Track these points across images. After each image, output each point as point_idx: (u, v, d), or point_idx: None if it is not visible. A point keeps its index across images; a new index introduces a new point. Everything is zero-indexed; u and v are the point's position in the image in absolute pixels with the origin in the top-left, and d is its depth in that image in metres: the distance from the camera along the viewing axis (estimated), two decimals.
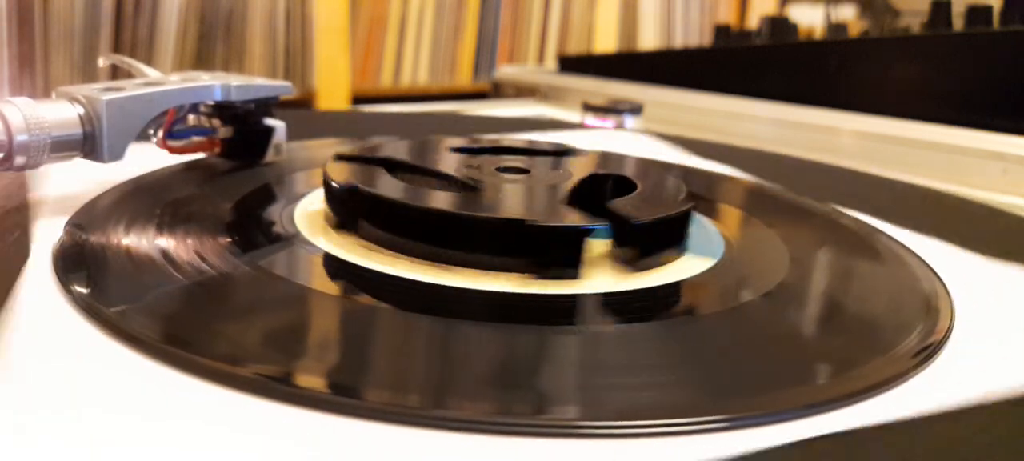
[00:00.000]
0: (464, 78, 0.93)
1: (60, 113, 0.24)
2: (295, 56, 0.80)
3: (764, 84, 0.58)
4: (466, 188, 0.24)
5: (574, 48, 1.01)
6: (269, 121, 0.32)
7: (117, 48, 0.70)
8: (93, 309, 0.17)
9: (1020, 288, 0.24)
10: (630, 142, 0.45)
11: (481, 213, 0.22)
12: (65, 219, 0.23)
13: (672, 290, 0.22)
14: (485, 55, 0.94)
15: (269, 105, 0.32)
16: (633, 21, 1.08)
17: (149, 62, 0.50)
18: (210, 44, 0.75)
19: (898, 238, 0.27)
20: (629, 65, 0.74)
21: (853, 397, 0.16)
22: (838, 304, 0.22)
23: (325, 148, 0.36)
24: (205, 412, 0.14)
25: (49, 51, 0.67)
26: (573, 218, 0.22)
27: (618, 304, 0.20)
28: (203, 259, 0.21)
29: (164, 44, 0.72)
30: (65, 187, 0.27)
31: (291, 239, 0.24)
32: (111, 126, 0.24)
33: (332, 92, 0.82)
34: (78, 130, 0.24)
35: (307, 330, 0.19)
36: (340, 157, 0.26)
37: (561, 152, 0.30)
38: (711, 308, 0.21)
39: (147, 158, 0.30)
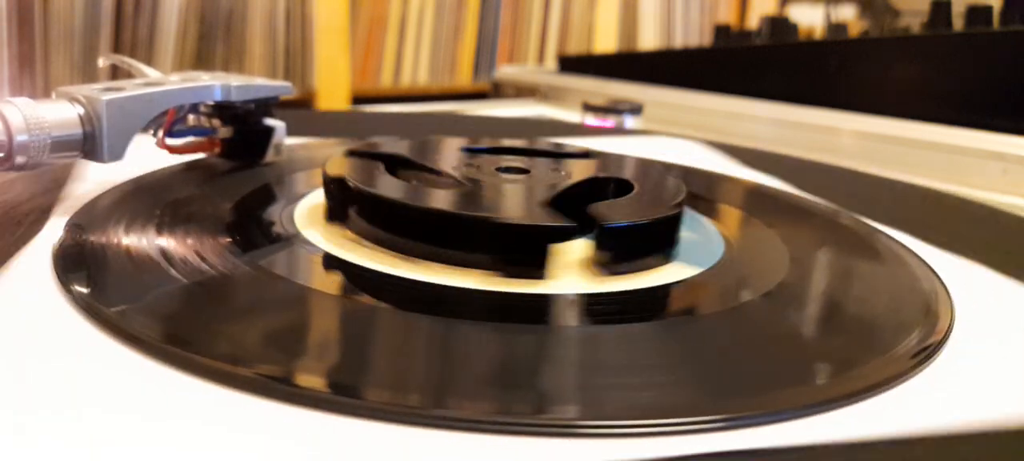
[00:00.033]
0: (464, 78, 0.93)
1: (60, 113, 0.24)
2: (295, 56, 0.80)
3: (764, 84, 0.59)
4: (457, 186, 0.25)
5: (574, 48, 1.01)
6: (269, 121, 0.32)
7: (117, 48, 0.70)
8: (93, 309, 0.17)
9: (1020, 288, 0.24)
10: (678, 150, 0.43)
11: (448, 208, 0.22)
12: (65, 219, 0.23)
13: (634, 296, 0.21)
14: (485, 55, 0.94)
15: (269, 105, 0.32)
16: (633, 21, 1.08)
17: (149, 62, 0.50)
18: (210, 44, 0.75)
19: (898, 238, 0.27)
20: (629, 65, 0.74)
21: (852, 397, 0.16)
22: (838, 304, 0.22)
23: (325, 148, 0.36)
24: (205, 412, 0.14)
25: (49, 51, 0.67)
26: (541, 218, 0.22)
27: (572, 305, 0.20)
28: (203, 259, 0.21)
29: (164, 44, 0.72)
30: (65, 187, 0.27)
31: (291, 239, 0.24)
32: (111, 126, 0.24)
33: (332, 92, 0.82)
34: (78, 130, 0.24)
35: (305, 329, 0.19)
36: (351, 153, 0.27)
37: (582, 155, 0.30)
38: (702, 311, 0.21)
39: (147, 158, 0.30)
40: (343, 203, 0.24)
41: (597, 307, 0.20)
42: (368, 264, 0.22)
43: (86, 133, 0.24)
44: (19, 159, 0.23)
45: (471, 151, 0.29)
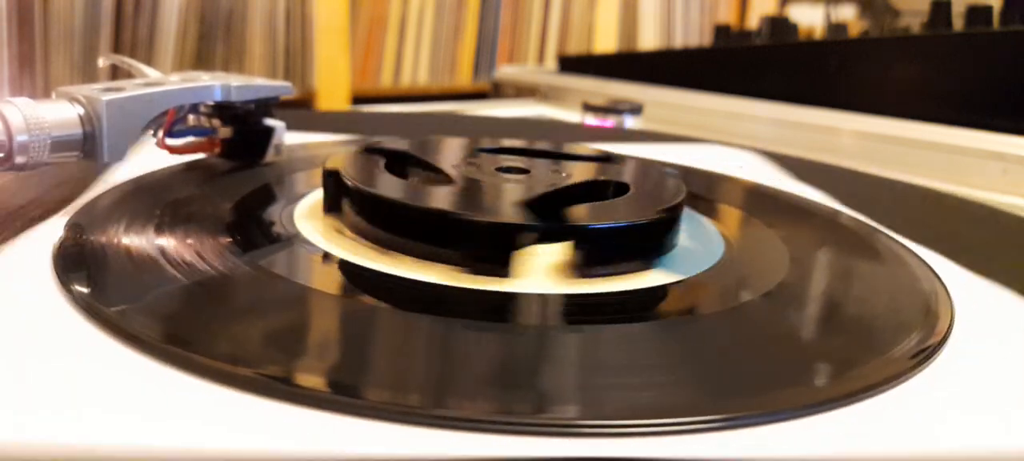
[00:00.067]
0: (464, 78, 0.93)
1: (60, 113, 0.24)
2: (295, 56, 0.80)
3: (764, 84, 0.59)
4: (446, 183, 0.25)
5: (574, 48, 1.01)
6: (269, 121, 0.32)
7: (117, 48, 0.70)
8: (93, 309, 0.17)
9: (1020, 289, 0.24)
10: (727, 159, 0.41)
11: (416, 203, 0.22)
12: (65, 219, 0.23)
13: (595, 300, 0.20)
14: (485, 55, 0.94)
15: (269, 105, 0.32)
16: (633, 21, 1.08)
17: (149, 62, 0.50)
18: (210, 44, 0.75)
19: (898, 238, 0.27)
20: (629, 65, 0.74)
21: (852, 397, 0.16)
22: (838, 304, 0.22)
23: (325, 148, 0.36)
24: (205, 412, 0.14)
25: (49, 51, 0.67)
26: (508, 216, 0.22)
27: (530, 305, 0.20)
28: (203, 259, 0.21)
29: (164, 44, 0.72)
30: (65, 187, 0.27)
31: (291, 239, 0.24)
32: (111, 126, 0.24)
33: (332, 92, 0.82)
34: (78, 130, 0.24)
35: (305, 329, 0.19)
36: (368, 150, 0.28)
37: (603, 159, 0.29)
38: (703, 310, 0.21)
39: (147, 158, 0.30)
40: (336, 195, 0.25)
41: (554, 308, 0.20)
42: (365, 262, 0.22)
43: (86, 133, 0.24)
44: (19, 159, 0.23)
45: (487, 152, 0.29)
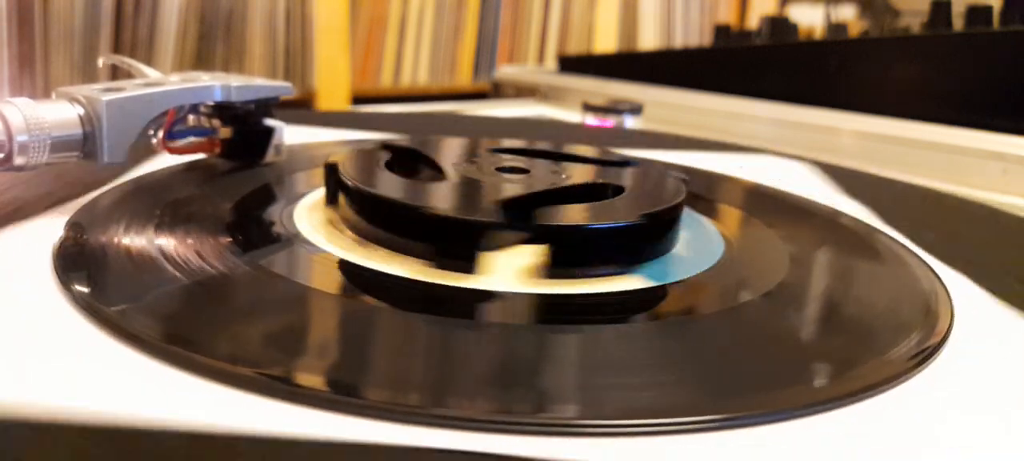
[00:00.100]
0: (464, 78, 0.93)
1: (60, 113, 0.24)
2: (295, 56, 0.80)
3: (764, 84, 0.59)
4: (442, 181, 0.25)
5: (574, 48, 1.01)
6: (269, 121, 0.32)
7: (117, 48, 0.70)
8: (94, 308, 0.17)
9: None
10: (778, 170, 0.39)
11: (388, 195, 0.23)
12: (65, 219, 0.23)
13: (544, 301, 0.20)
14: (485, 55, 0.94)
15: (269, 105, 0.32)
16: (633, 21, 1.08)
17: (149, 62, 0.50)
18: (210, 44, 0.75)
19: (898, 238, 0.27)
20: (629, 65, 0.74)
21: (851, 397, 0.16)
22: (838, 304, 0.22)
23: (325, 148, 0.36)
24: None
25: (49, 51, 0.67)
26: (474, 214, 0.22)
27: (489, 303, 0.20)
28: (203, 259, 0.21)
29: (164, 44, 0.72)
30: (66, 186, 0.27)
31: (291, 239, 0.24)
32: (111, 126, 0.24)
33: (332, 92, 0.82)
34: (78, 130, 0.24)
35: (305, 329, 0.19)
36: (386, 146, 0.28)
37: (621, 163, 0.29)
38: (702, 310, 0.21)
39: (147, 158, 0.30)
40: (334, 189, 0.25)
41: (520, 307, 0.20)
42: (363, 262, 0.22)
43: (86, 133, 0.24)
44: (19, 159, 0.23)
45: (503, 152, 0.29)
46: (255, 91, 0.30)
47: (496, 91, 0.83)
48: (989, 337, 0.20)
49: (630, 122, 0.55)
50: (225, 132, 0.31)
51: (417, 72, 0.90)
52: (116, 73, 0.66)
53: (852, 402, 0.16)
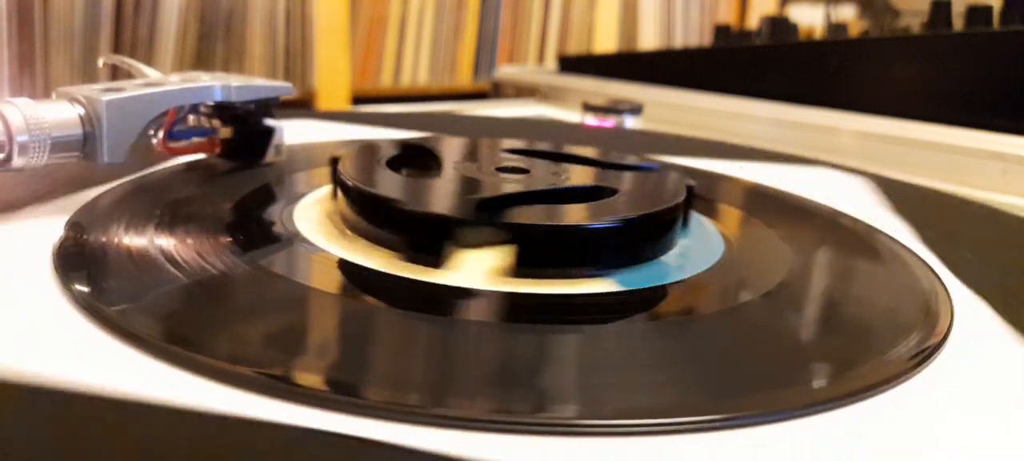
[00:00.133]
0: (464, 78, 0.93)
1: (60, 113, 0.24)
2: (295, 56, 0.80)
3: (764, 84, 0.58)
4: (437, 178, 0.26)
5: (574, 48, 1.01)
6: (269, 121, 0.32)
7: (117, 48, 0.70)
8: (94, 308, 0.17)
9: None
10: (833, 184, 0.37)
11: (369, 189, 0.23)
12: (65, 219, 0.23)
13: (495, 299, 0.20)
14: (485, 55, 0.94)
15: (269, 105, 0.32)
16: (633, 21, 1.08)
17: (149, 62, 0.50)
18: (210, 44, 0.75)
19: (898, 238, 0.27)
20: (629, 65, 0.74)
21: (851, 397, 0.16)
22: (837, 304, 0.22)
23: (324, 148, 0.36)
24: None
25: (49, 51, 0.67)
26: (446, 209, 0.22)
27: (452, 299, 0.20)
28: (203, 258, 0.21)
29: (164, 44, 0.72)
30: (66, 186, 0.27)
31: (291, 239, 0.24)
32: (111, 126, 0.24)
33: (332, 92, 0.82)
34: (78, 130, 0.24)
35: (306, 329, 0.19)
36: (401, 143, 0.29)
37: (635, 168, 0.29)
38: (702, 311, 0.21)
39: (147, 158, 0.30)
40: (335, 184, 0.26)
41: (485, 305, 0.20)
42: (364, 262, 0.22)
43: (86, 134, 0.24)
44: (19, 160, 0.23)
45: (519, 153, 0.29)
46: (255, 91, 0.30)
47: (496, 91, 0.83)
48: (989, 337, 0.20)
49: (630, 122, 0.55)
50: (225, 132, 0.31)
51: (417, 72, 0.90)
52: (116, 73, 0.66)
53: (852, 402, 0.16)
